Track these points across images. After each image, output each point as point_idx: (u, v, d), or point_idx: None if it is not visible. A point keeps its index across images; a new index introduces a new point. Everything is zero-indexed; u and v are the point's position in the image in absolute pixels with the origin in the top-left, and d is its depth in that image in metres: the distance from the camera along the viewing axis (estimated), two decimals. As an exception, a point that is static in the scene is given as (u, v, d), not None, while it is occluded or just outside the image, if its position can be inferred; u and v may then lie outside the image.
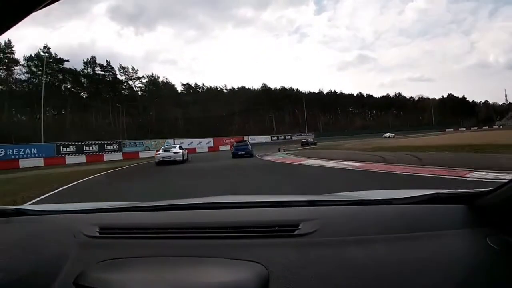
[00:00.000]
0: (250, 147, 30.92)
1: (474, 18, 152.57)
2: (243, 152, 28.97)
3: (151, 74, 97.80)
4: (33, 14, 0.49)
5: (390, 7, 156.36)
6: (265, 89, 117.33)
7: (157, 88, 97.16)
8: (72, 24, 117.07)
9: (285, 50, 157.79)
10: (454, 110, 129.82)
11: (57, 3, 0.53)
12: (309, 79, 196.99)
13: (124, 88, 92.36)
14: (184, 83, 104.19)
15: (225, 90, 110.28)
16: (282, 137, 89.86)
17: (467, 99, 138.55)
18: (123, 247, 1.34)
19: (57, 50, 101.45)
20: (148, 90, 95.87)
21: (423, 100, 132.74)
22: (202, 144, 67.39)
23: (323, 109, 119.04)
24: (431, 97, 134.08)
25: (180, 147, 28.67)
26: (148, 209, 1.74)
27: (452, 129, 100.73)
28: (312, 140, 63.25)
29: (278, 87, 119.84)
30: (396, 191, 1.72)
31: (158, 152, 27.07)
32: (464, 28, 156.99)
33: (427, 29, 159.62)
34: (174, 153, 26.22)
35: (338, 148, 31.23)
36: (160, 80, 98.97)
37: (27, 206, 2.00)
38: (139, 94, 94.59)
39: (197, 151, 57.19)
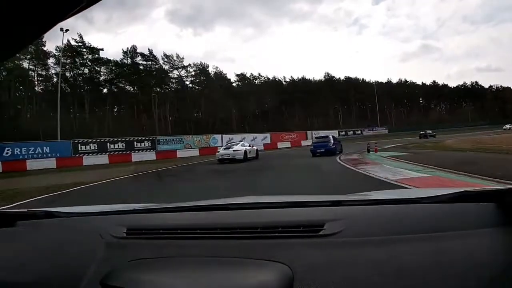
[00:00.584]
0: (333, 143, 24.81)
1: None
2: (322, 150, 23.88)
3: (199, 62, 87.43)
4: (94, 19, 0.33)
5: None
6: (328, 79, 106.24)
7: (207, 77, 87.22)
8: (132, 29, 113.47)
9: (345, 43, 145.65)
10: None
11: (120, 10, 0.34)
12: (371, 73, 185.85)
13: (170, 78, 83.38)
14: (238, 73, 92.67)
15: (284, 82, 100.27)
16: (352, 132, 78.06)
17: None
18: (150, 247, 1.35)
19: (117, 56, 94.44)
20: (198, 81, 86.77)
21: (504, 90, 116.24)
22: (257, 140, 54.53)
23: (393, 101, 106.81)
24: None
25: (244, 144, 26.22)
26: (174, 210, 1.76)
27: None
28: (430, 132, 57.69)
29: (342, 77, 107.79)
30: (422, 190, 1.49)
31: (219, 150, 26.31)
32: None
33: (492, 14, 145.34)
34: (234, 150, 24.03)
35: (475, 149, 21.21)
36: (210, 70, 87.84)
37: (56, 208, 1.77)
38: (187, 84, 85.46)
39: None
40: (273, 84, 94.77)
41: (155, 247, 1.34)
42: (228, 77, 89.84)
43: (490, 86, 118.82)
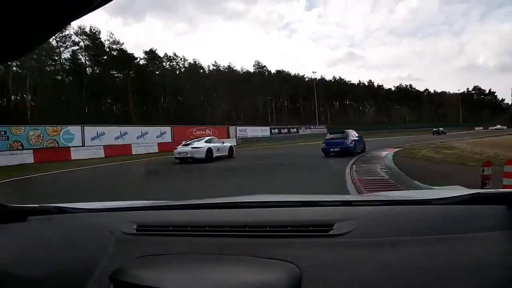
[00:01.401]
0: (351, 140, 18.88)
1: (465, 20, 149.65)
2: (337, 149, 18.25)
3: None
4: None
5: (382, 5, 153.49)
6: (258, 68, 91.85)
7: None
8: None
9: (275, 45, 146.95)
10: (477, 106, 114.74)
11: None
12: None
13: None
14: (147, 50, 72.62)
15: (207, 71, 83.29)
16: (286, 130, 62.44)
17: (495, 94, 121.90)
18: (160, 244, 1.34)
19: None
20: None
21: (440, 94, 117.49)
22: (148, 137, 36.78)
23: (329, 100, 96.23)
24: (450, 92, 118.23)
25: (210, 140, 20.52)
26: (184, 207, 1.72)
27: (482, 128, 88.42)
28: (442, 129, 60.86)
29: (273, 70, 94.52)
30: (435, 191, 1.60)
31: (177, 147, 19.86)
32: (455, 30, 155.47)
33: (417, 29, 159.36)
34: (193, 148, 18.94)
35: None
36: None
37: (67, 204, 1.76)
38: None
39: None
40: (193, 71, 77.93)
41: (165, 244, 1.33)
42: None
43: (426, 89, 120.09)
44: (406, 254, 1.05)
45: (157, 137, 36.78)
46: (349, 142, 18.89)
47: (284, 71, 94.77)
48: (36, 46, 0.60)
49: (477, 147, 18.87)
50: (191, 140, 21.68)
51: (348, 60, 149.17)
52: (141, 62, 69.46)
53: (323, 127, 68.57)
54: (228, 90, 72.44)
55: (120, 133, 34.00)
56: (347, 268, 1.04)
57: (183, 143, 20.29)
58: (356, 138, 19.95)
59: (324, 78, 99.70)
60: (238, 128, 50.28)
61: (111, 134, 32.76)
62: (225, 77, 78.94)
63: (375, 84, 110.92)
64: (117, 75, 65.37)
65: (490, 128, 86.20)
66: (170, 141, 35.44)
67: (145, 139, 35.43)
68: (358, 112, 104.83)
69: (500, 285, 0.93)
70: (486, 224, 1.13)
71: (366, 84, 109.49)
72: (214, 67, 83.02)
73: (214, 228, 1.36)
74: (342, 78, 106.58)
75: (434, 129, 60.39)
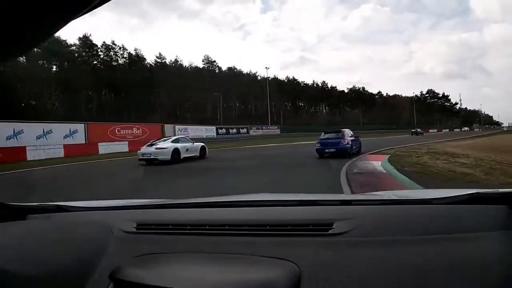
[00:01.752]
0: (347, 140, 17.33)
1: (415, 30, 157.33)
2: (332, 149, 16.87)
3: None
4: None
5: (336, 12, 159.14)
6: (208, 63, 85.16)
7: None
8: None
9: (229, 46, 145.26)
10: (430, 109, 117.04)
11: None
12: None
13: None
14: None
15: (152, 63, 74.93)
16: (235, 131, 56.28)
17: (449, 97, 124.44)
18: (160, 242, 1.34)
19: None
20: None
21: (393, 97, 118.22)
22: (53, 137, 28.61)
23: (282, 100, 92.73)
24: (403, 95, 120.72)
25: (179, 140, 18.78)
26: (184, 206, 1.73)
27: (436, 130, 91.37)
28: (420, 130, 64.89)
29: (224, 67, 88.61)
30: (434, 191, 1.73)
31: (141, 148, 18.01)
32: (405, 38, 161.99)
33: (368, 36, 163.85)
34: (157, 148, 17.01)
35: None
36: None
37: (66, 202, 1.76)
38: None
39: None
40: (134, 62, 69.83)
41: (165, 242, 1.33)
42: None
43: (379, 92, 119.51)
44: (405, 253, 1.05)
45: (65, 137, 29.26)
46: (346, 142, 17.20)
47: (236, 68, 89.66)
48: (36, 45, 0.59)
49: (480, 152, 15.72)
50: (158, 140, 19.36)
51: (301, 64, 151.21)
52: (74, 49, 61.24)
53: (276, 127, 63.75)
54: (173, 85, 65.99)
55: (14, 131, 26.22)
56: (346, 267, 1.04)
57: (147, 144, 18.21)
58: (352, 138, 18.26)
59: (277, 78, 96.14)
60: (178, 127, 44.12)
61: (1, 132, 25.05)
62: (171, 71, 72.42)
63: (329, 86, 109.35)
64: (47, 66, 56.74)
65: (455, 130, 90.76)
66: (83, 142, 28.95)
67: (48, 139, 27.76)
68: (311, 113, 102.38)
69: (500, 285, 0.93)
70: (485, 224, 1.14)
71: (320, 85, 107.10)
72: (159, 60, 75.80)
73: (214, 227, 1.36)
74: (296, 78, 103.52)
75: (412, 130, 63.88)
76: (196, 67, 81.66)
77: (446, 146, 22.96)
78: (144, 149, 17.44)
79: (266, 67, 74.96)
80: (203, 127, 50.46)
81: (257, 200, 1.65)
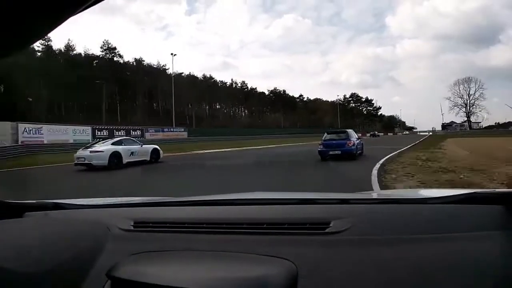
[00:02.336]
0: (353, 142, 16.42)
1: (333, 42, 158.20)
2: (337, 152, 15.72)
3: None
4: None
5: (259, 20, 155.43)
6: (107, 50, 71.08)
7: None
8: None
9: (151, 46, 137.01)
10: (353, 113, 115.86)
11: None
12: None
13: None
14: None
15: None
16: (123, 133, 41.02)
17: (372, 102, 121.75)
18: (157, 240, 1.33)
19: None
20: None
21: (315, 101, 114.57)
22: None
23: (196, 99, 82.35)
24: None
25: (122, 142, 16.41)
26: (181, 204, 1.73)
27: (360, 134, 78.60)
28: (377, 132, 70.77)
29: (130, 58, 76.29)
30: (431, 190, 1.70)
31: (77, 150, 15.73)
32: (323, 49, 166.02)
33: (289, 45, 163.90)
34: (92, 152, 14.73)
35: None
36: None
37: (64, 200, 1.76)
38: None
39: None
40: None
41: (162, 240, 1.32)
42: None
43: (301, 95, 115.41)
44: (402, 252, 1.06)
45: None
46: (352, 144, 16.10)
47: (143, 60, 76.66)
48: (33, 41, 0.59)
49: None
50: (103, 141, 17.05)
51: (223, 69, 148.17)
52: None
53: (182, 129, 51.45)
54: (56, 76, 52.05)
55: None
56: (343, 265, 1.04)
57: (87, 145, 16.36)
58: (356, 140, 17.16)
59: (193, 75, 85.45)
60: (24, 126, 30.85)
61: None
62: (58, 59, 59.40)
63: (248, 87, 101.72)
64: None
65: (398, 133, 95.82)
66: None
67: None
68: (230, 115, 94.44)
69: (496, 284, 0.93)
70: (482, 224, 1.14)
71: (239, 85, 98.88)
72: (44, 46, 60.76)
73: (211, 225, 1.35)
74: (213, 76, 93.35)
75: (372, 133, 67.55)
76: (93, 54, 68.25)
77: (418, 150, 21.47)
78: (80, 152, 14.99)
79: (172, 53, 60.98)
80: (71, 127, 36.62)
81: (254, 198, 1.65)
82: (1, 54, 0.57)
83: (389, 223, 1.22)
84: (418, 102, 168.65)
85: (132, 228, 1.41)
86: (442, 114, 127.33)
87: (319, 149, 16.43)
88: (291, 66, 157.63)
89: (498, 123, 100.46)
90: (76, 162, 14.66)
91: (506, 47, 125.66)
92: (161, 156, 17.58)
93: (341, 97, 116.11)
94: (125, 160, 15.17)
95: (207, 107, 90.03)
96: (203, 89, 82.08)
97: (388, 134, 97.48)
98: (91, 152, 14.55)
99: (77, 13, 0.51)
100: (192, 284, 1.02)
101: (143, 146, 17.13)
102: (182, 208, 1.68)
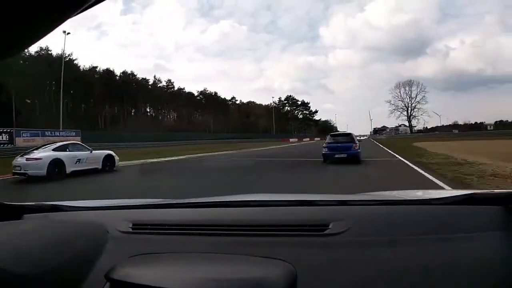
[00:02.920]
0: (359, 145, 16.12)
1: (268, 49, 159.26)
2: (343, 155, 15.27)
3: None
4: None
5: (196, 23, 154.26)
6: None
7: None
8: None
9: (80, 47, 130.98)
10: (288, 117, 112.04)
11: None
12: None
13: None
14: None
15: None
16: None
17: (309, 105, 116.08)
18: (155, 242, 1.32)
19: None
20: None
21: (248, 104, 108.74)
22: None
23: (111, 99, 71.85)
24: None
25: (64, 147, 13.56)
26: (179, 206, 1.71)
27: (297, 139, 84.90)
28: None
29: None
30: (430, 191, 1.72)
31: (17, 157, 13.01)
32: (258, 56, 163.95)
33: (225, 51, 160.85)
34: (28, 159, 12.21)
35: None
36: None
37: (63, 202, 1.75)
38: None
39: None
40: None
41: (161, 242, 1.32)
42: None
43: (233, 98, 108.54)
44: (402, 253, 1.06)
45: None
46: (357, 147, 15.59)
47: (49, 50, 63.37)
48: (32, 43, 0.57)
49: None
50: (44, 146, 14.14)
51: (156, 71, 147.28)
52: None
53: (73, 133, 40.10)
54: None
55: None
56: (342, 267, 1.04)
57: (23, 153, 13.31)
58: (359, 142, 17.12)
59: (109, 69, 74.37)
60: None
61: None
62: None
63: (175, 86, 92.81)
64: None
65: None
66: None
67: None
68: (153, 118, 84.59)
69: (496, 285, 0.94)
70: (481, 224, 1.15)
71: (165, 85, 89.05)
72: None
73: (210, 226, 1.35)
74: (135, 73, 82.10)
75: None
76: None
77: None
78: (16, 159, 12.55)
79: (63, 31, 46.48)
80: None
81: (253, 200, 1.61)
82: (1, 55, 0.57)
83: (388, 225, 1.21)
84: (348, 109, 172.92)
85: (130, 230, 1.40)
86: (371, 120, 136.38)
87: (323, 151, 16.11)
88: (226, 72, 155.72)
89: (426, 127, 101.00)
90: (13, 171, 12.29)
91: (432, 59, 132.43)
92: (117, 163, 15.19)
93: (276, 100, 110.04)
94: (70, 168, 12.78)
95: (126, 108, 78.88)
96: (117, 86, 71.52)
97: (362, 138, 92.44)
98: (27, 159, 12.07)
99: (78, 13, 0.50)
100: (191, 286, 1.01)
101: (93, 152, 14.42)
102: (180, 210, 1.65)
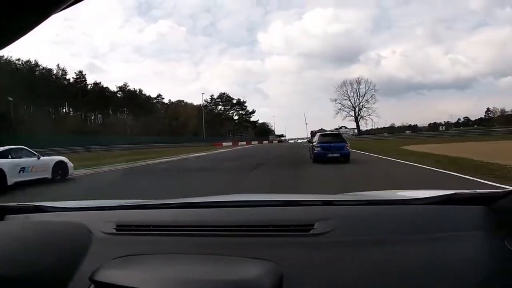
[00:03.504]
0: (348, 144, 16.41)
1: (205, 51, 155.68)
2: (336, 154, 15.62)
3: None
4: None
5: (133, 23, 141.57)
6: None
7: None
8: None
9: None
10: (222, 118, 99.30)
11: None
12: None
13: None
14: None
15: None
16: None
17: (245, 104, 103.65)
18: (139, 244, 1.29)
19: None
20: None
21: (178, 104, 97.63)
22: None
23: None
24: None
25: (9, 153, 11.23)
26: (164, 207, 1.66)
27: (231, 143, 76.30)
28: (285, 138, 78.22)
29: None
30: (413, 192, 1.72)
31: None
32: (196, 59, 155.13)
33: (162, 52, 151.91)
34: None
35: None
36: None
37: (45, 203, 1.69)
38: None
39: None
40: None
41: (145, 243, 1.28)
42: None
43: (159, 95, 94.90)
44: (386, 253, 1.06)
45: None
46: (348, 147, 15.82)
47: None
48: (15, 39, 0.55)
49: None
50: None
51: (90, 71, 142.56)
52: None
53: None
54: None
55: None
56: (327, 266, 1.04)
57: None
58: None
59: None
60: None
61: None
62: None
63: (87, 79, 77.08)
64: None
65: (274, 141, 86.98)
66: None
67: None
68: (44, 115, 66.58)
69: (477, 283, 0.95)
70: (463, 224, 1.16)
71: (74, 78, 72.99)
72: None
73: (195, 227, 1.33)
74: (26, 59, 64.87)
75: (279, 139, 74.96)
76: None
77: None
78: None
79: None
80: None
81: (238, 200, 1.61)
82: None
83: (373, 225, 1.21)
84: (283, 112, 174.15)
85: (114, 231, 1.37)
86: (306, 124, 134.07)
87: (315, 151, 15.94)
88: (162, 73, 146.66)
89: (361, 130, 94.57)
90: None
91: (364, 66, 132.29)
92: (71, 171, 12.74)
93: (208, 98, 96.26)
94: (12, 179, 10.35)
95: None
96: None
97: (264, 142, 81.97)
98: None
99: (62, 9, 0.49)
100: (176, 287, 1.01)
101: (42, 158, 11.92)
102: (165, 210, 1.61)
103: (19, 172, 10.74)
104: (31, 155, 11.73)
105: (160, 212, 1.59)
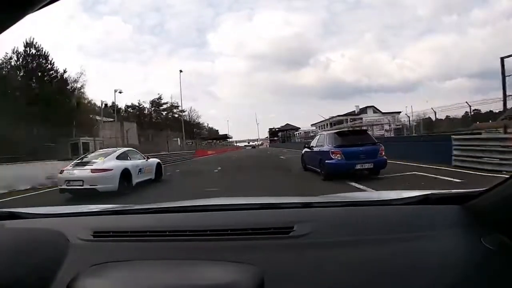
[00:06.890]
0: (382, 146, 9.87)
1: (153, 52, 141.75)
2: (369, 165, 9.29)
3: None
4: None
5: (77, 19, 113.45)
6: None
7: None
8: None
9: None
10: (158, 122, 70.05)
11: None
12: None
13: None
14: None
15: None
16: None
17: (178, 106, 77.53)
18: (118, 250, 1.24)
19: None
20: None
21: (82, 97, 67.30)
22: None
23: None
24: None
25: (125, 155, 10.73)
26: (142, 212, 1.61)
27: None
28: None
29: None
30: (390, 192, 1.69)
31: (63, 169, 9.58)
32: (143, 59, 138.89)
33: (107, 52, 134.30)
34: (94, 171, 9.02)
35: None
36: None
37: (20, 209, 1.62)
38: None
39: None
40: None
41: (123, 250, 1.23)
42: None
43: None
44: (365, 253, 1.04)
45: None
46: (383, 152, 9.64)
47: None
48: None
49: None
50: (87, 154, 11.07)
51: None
52: None
53: None
54: None
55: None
56: (308, 268, 1.02)
57: (74, 162, 10.04)
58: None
59: None
60: None
61: None
62: None
63: None
64: None
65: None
66: None
67: None
68: None
69: (455, 281, 0.93)
70: (438, 223, 1.14)
71: None
72: None
73: (174, 232, 1.28)
74: None
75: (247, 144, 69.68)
76: None
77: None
78: (70, 172, 9.16)
79: None
80: None
81: (217, 204, 1.58)
82: None
83: (351, 225, 1.19)
84: (234, 115, 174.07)
85: (92, 238, 1.31)
86: (258, 124, 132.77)
87: (331, 161, 9.39)
88: (107, 74, 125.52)
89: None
90: (64, 186, 9.04)
91: (314, 69, 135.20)
92: (163, 172, 13.00)
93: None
94: (134, 180, 10.27)
95: None
96: None
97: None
98: (93, 171, 8.89)
99: (38, 9, 0.47)
100: None
101: (149, 160, 12.04)
102: (143, 216, 1.55)
103: (138, 173, 10.47)
104: (140, 156, 11.58)
105: (138, 218, 1.51)
